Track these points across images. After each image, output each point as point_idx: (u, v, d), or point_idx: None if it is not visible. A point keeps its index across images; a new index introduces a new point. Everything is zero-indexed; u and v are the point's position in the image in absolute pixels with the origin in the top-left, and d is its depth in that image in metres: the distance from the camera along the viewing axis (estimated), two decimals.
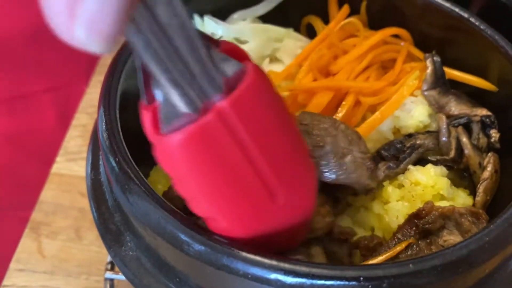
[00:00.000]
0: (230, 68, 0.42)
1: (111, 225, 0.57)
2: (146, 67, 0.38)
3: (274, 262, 0.43)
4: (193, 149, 0.42)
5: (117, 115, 0.57)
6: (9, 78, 1.12)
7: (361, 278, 0.42)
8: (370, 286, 0.42)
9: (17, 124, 1.18)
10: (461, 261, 0.45)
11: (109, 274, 0.71)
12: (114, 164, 0.53)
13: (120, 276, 0.71)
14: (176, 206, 0.51)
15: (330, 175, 0.56)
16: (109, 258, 0.73)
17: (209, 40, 0.41)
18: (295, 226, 0.48)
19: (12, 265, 0.81)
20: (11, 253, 0.83)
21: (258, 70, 0.44)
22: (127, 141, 0.56)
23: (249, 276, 0.44)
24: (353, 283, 0.42)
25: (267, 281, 0.44)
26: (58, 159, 0.93)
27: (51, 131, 1.17)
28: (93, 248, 0.81)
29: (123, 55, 0.63)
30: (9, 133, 1.18)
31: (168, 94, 0.40)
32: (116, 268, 0.72)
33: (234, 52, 0.43)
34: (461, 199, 0.63)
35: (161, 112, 0.41)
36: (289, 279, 0.43)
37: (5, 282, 0.79)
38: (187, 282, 0.51)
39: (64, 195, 0.88)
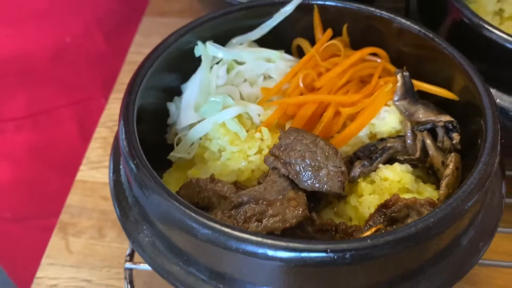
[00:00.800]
0: None
1: (130, 217, 0.65)
2: None
3: (259, 239, 0.52)
4: None
5: (135, 126, 0.66)
6: (32, 94, 1.16)
7: (328, 250, 0.51)
8: (335, 257, 0.51)
9: (41, 138, 1.21)
10: (410, 237, 0.53)
11: (128, 265, 0.77)
12: (132, 166, 0.61)
13: (138, 266, 0.77)
14: None
15: (307, 184, 0.65)
16: (128, 251, 0.78)
17: None
18: None
19: (44, 260, 0.86)
20: (42, 251, 0.88)
21: None
22: (143, 150, 0.63)
23: (240, 250, 0.53)
24: (322, 254, 0.51)
25: (255, 255, 0.53)
26: (81, 167, 0.98)
27: (72, 144, 1.21)
28: (113, 245, 0.87)
29: (139, 76, 0.71)
30: (33, 147, 1.21)
31: None
32: (135, 259, 0.77)
33: None
34: (428, 193, 0.70)
35: None
36: (271, 252, 0.52)
37: (38, 274, 0.85)
38: (193, 260, 0.59)
39: (87, 199, 0.94)
